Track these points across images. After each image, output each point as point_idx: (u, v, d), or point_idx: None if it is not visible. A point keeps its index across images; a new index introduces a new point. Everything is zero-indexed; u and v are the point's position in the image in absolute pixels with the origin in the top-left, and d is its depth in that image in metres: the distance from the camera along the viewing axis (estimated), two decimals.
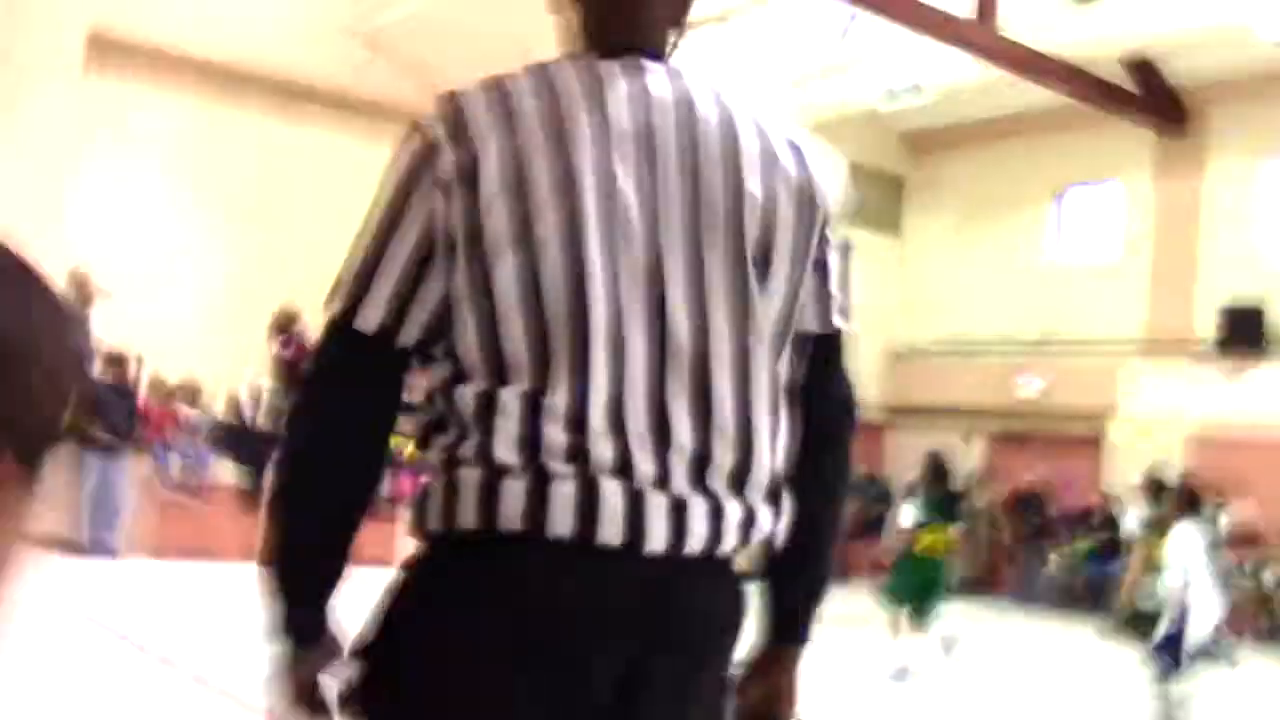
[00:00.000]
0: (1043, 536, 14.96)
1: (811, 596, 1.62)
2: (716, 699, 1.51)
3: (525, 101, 1.40)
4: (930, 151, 17.61)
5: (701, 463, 1.39)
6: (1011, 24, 12.80)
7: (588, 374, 1.34)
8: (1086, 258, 16.34)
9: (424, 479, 1.45)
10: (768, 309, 1.45)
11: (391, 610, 1.43)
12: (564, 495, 1.32)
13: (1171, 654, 6.71)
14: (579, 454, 1.33)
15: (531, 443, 1.34)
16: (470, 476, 1.35)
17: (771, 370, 1.46)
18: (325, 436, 1.41)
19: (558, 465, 1.33)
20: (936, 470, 9.13)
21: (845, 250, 1.59)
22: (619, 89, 1.43)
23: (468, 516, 1.35)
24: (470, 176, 1.36)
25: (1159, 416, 14.58)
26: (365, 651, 1.43)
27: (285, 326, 10.68)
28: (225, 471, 12.83)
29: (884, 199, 17.67)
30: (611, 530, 1.33)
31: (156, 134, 15.22)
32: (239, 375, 13.37)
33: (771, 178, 1.47)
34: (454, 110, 1.40)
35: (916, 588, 8.69)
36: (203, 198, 15.58)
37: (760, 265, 1.45)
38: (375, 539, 1.40)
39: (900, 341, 17.37)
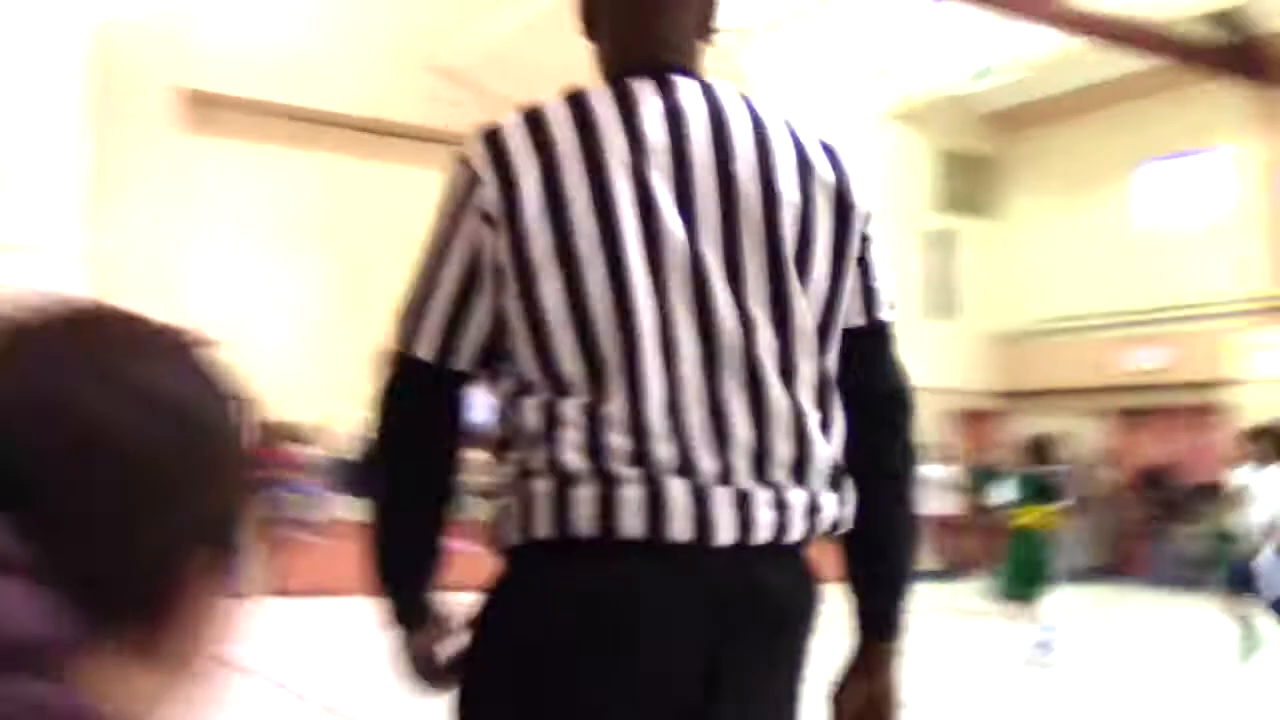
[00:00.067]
0: (1172, 514, 14.51)
1: (895, 590, 1.62)
2: (792, 685, 1.52)
3: (560, 128, 1.46)
4: (1020, 130, 17.26)
5: (761, 455, 1.43)
6: None
7: (641, 380, 1.39)
8: (1190, 223, 15.83)
9: (500, 497, 1.48)
10: (808, 306, 1.49)
11: (479, 626, 1.47)
12: (631, 498, 1.37)
13: (1243, 583, 7.07)
14: (641, 457, 1.38)
15: (596, 450, 1.38)
16: (542, 487, 1.40)
17: (816, 364, 1.50)
18: (395, 452, 1.53)
19: (622, 469, 1.38)
20: (1036, 451, 9.22)
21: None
22: (650, 106, 1.48)
23: (542, 526, 1.40)
24: (510, 206, 1.43)
25: None
26: (463, 666, 1.48)
27: None
28: (344, 507, 13.09)
29: (978, 182, 17.38)
30: (680, 526, 1.37)
31: (248, 183, 15.67)
32: (335, 413, 13.65)
33: (806, 181, 1.51)
34: (494, 142, 1.47)
35: (1019, 565, 8.75)
36: (294, 241, 15.99)
37: (799, 264, 1.49)
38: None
39: (1007, 325, 17.04)
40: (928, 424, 15.88)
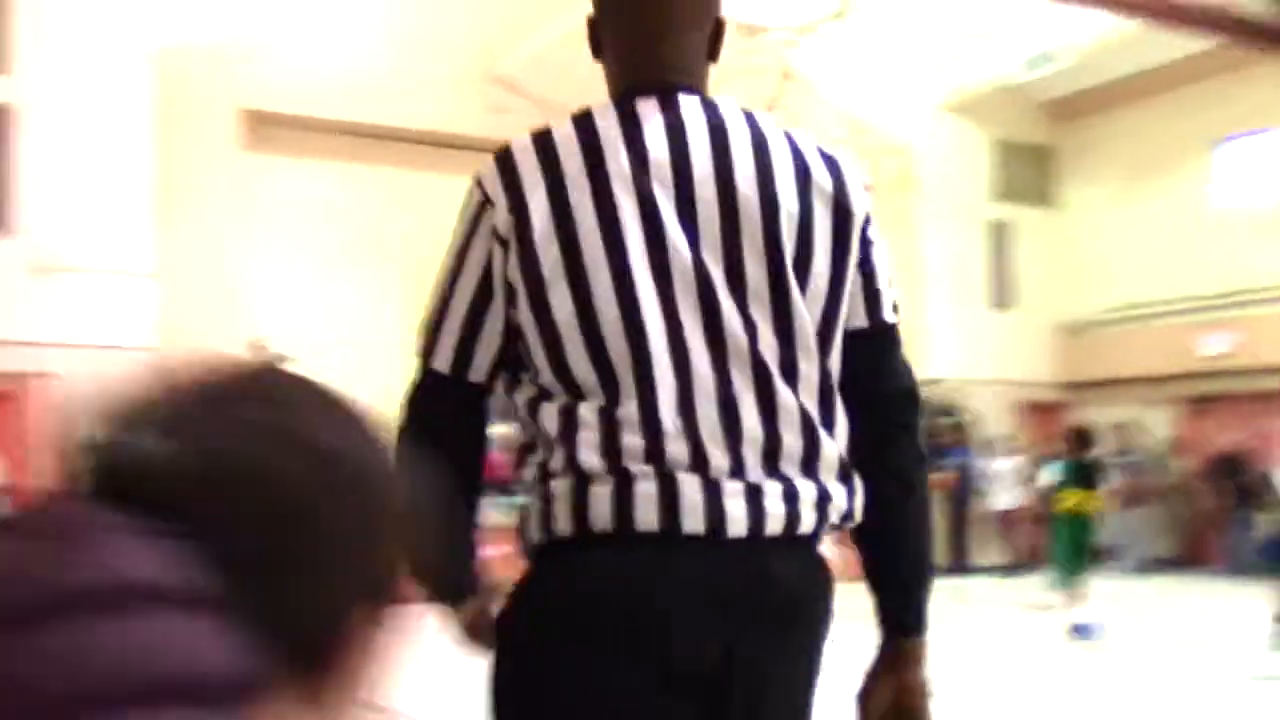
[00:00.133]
0: (1248, 502, 14.22)
1: (914, 585, 1.66)
2: (807, 673, 1.57)
3: (566, 149, 1.53)
4: (1077, 118, 16.99)
5: (771, 449, 1.49)
6: None
7: (652, 382, 1.46)
8: (1257, 205, 15.49)
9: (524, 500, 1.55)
10: (809, 310, 1.55)
11: (505, 624, 1.54)
12: (645, 493, 1.43)
13: None
14: (655, 455, 1.44)
15: (611, 449, 1.45)
16: (561, 486, 1.47)
17: (817, 365, 1.55)
18: (414, 455, 1.57)
19: (637, 466, 1.44)
20: (1079, 439, 9.64)
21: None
22: (653, 123, 1.55)
23: (562, 523, 1.47)
24: (521, 226, 1.51)
25: None
26: (495, 669, 1.54)
27: None
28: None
29: (1037, 172, 17.16)
30: (693, 520, 1.43)
31: (310, 199, 15.90)
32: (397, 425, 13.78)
33: (805, 190, 1.57)
34: (505, 164, 1.57)
35: (1063, 548, 9.30)
36: (356, 255, 16.20)
37: (799, 270, 1.54)
38: None
39: (1071, 315, 16.79)
40: (993, 417, 15.73)
